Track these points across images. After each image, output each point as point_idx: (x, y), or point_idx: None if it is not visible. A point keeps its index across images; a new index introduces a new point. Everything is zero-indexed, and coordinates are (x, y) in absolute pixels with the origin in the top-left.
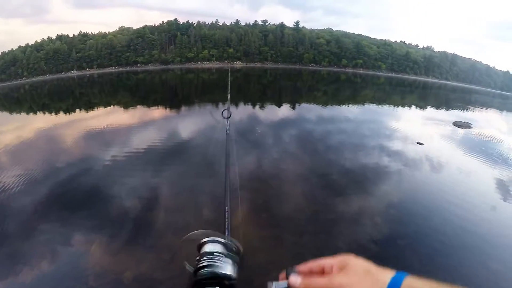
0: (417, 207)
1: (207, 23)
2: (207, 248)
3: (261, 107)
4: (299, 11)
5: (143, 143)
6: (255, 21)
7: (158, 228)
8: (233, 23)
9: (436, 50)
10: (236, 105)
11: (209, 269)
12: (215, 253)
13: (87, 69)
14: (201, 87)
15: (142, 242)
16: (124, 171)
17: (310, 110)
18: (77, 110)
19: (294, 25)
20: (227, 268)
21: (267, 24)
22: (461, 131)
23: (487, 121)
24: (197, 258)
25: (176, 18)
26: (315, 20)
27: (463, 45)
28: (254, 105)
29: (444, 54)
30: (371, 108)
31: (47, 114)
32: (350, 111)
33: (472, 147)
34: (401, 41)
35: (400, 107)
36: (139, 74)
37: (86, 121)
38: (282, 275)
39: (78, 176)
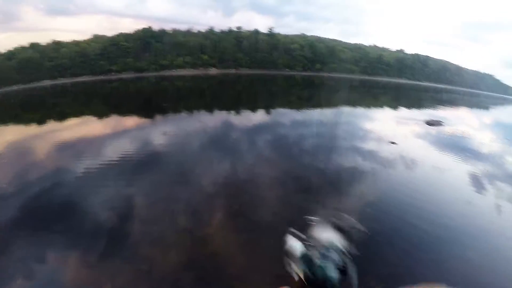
0: (393, 204)
1: (181, 30)
2: (322, 239)
3: (237, 113)
4: (272, 17)
5: (116, 153)
6: (230, 27)
7: (134, 239)
8: (207, 30)
9: (408, 52)
10: (211, 112)
11: (328, 274)
12: (334, 247)
13: (60, 78)
14: (176, 95)
15: (118, 254)
16: (98, 182)
17: (285, 115)
18: (50, 120)
19: (268, 31)
20: (346, 270)
21: (241, 30)
22: (433, 129)
23: (458, 119)
24: (315, 255)
25: (150, 26)
26: (289, 26)
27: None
28: (229, 111)
29: (416, 56)
30: (345, 111)
31: (18, 125)
32: (325, 114)
33: (444, 144)
34: (373, 44)
35: (373, 109)
36: (113, 83)
37: (59, 132)
38: None
39: (50, 189)
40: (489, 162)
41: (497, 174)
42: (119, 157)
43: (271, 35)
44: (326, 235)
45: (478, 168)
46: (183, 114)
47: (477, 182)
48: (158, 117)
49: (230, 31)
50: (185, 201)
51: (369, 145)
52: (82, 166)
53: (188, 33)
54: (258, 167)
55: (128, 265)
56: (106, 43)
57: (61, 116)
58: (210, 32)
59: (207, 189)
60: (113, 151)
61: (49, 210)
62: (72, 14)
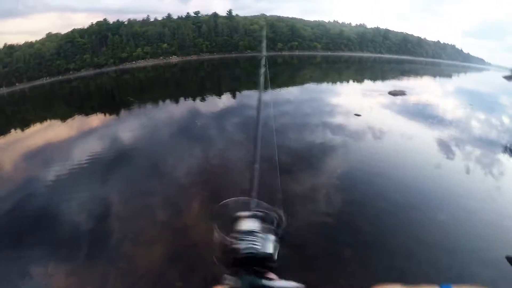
0: (361, 175)
1: (138, 20)
2: (246, 225)
3: (202, 99)
4: None
5: (85, 155)
6: (187, 13)
7: (114, 239)
8: (164, 17)
9: (368, 26)
10: (176, 101)
11: (248, 250)
12: (255, 232)
13: (17, 84)
14: (139, 87)
15: (100, 256)
16: (70, 187)
17: (250, 96)
18: (12, 130)
19: (227, 13)
20: (267, 247)
21: (199, 15)
22: (397, 99)
23: (421, 88)
24: (235, 235)
25: (105, 18)
26: (248, 7)
27: (395, 20)
28: (194, 99)
29: (376, 29)
30: (311, 87)
31: None
32: (290, 92)
33: (409, 112)
34: (334, 20)
35: (338, 83)
36: (72, 82)
37: (24, 141)
38: None
39: (22, 201)
40: (454, 127)
41: (463, 138)
42: (89, 158)
43: (230, 17)
44: (246, 224)
45: (445, 133)
46: (148, 106)
47: (444, 147)
48: (123, 112)
49: (188, 17)
50: (160, 194)
51: (335, 119)
52: (52, 172)
53: (145, 22)
54: (228, 151)
55: (111, 266)
56: (61, 41)
57: (23, 123)
58: (168, 19)
59: (180, 178)
60: (82, 153)
61: (24, 222)
62: (22, 14)
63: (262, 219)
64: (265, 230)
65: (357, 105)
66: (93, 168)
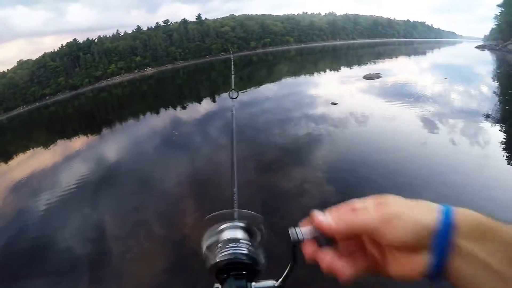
0: (342, 164)
1: (108, 36)
2: (228, 234)
3: (181, 108)
4: (198, 4)
5: (72, 179)
6: (157, 23)
7: (110, 259)
8: (134, 30)
9: (338, 14)
10: (156, 113)
11: (233, 255)
12: (239, 240)
13: None
14: (117, 104)
15: (103, 279)
16: (61, 213)
17: (228, 99)
18: None
19: (196, 18)
20: (251, 251)
21: (169, 23)
22: (373, 82)
23: (397, 68)
24: (219, 245)
25: (75, 38)
26: (216, 9)
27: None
28: (174, 108)
29: (346, 16)
30: (289, 82)
31: None
32: (269, 89)
33: (386, 94)
34: (304, 12)
35: (315, 74)
36: (50, 107)
37: (8, 174)
38: (306, 221)
39: (15, 234)
40: (434, 103)
41: (445, 112)
42: (76, 181)
43: (200, 22)
44: (229, 233)
45: (425, 110)
46: (129, 122)
47: (427, 123)
48: (104, 131)
49: (158, 27)
50: (153, 208)
51: (313, 111)
52: (41, 201)
53: (116, 37)
54: (215, 156)
55: (110, 286)
56: (33, 67)
57: (6, 156)
58: (138, 31)
59: (171, 189)
60: (69, 177)
61: (19, 255)
62: None
63: (243, 228)
64: (248, 237)
65: (334, 93)
66: (82, 191)
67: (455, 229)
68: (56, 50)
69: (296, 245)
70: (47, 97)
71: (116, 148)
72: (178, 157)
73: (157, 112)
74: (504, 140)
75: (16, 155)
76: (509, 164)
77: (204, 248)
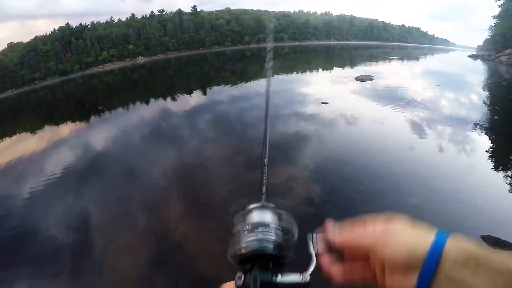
0: (329, 163)
1: (101, 22)
2: (257, 217)
3: (173, 99)
4: None
5: (58, 166)
6: (152, 12)
7: (94, 249)
8: (128, 17)
9: (334, 14)
10: (146, 103)
11: (261, 245)
12: (268, 224)
13: None
14: (107, 91)
15: (83, 268)
16: (46, 201)
17: (221, 92)
18: None
19: (192, 10)
20: (281, 243)
21: (164, 13)
22: (365, 84)
23: (389, 72)
24: (246, 228)
25: (68, 23)
26: (212, 1)
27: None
28: (164, 99)
29: (342, 17)
30: (281, 79)
31: None
32: (261, 85)
33: (376, 97)
34: (299, 10)
35: (308, 72)
36: (39, 92)
37: None
38: (323, 228)
39: None
40: (424, 108)
41: (434, 118)
42: (62, 169)
43: (195, 13)
44: (258, 216)
45: (415, 115)
46: (118, 111)
47: (416, 128)
48: (93, 119)
49: (153, 16)
50: (136, 198)
51: (303, 109)
52: (26, 188)
53: (109, 24)
54: (204, 150)
55: (94, 276)
56: (24, 50)
57: None
58: (132, 19)
59: (157, 181)
60: (55, 164)
61: (2, 243)
62: None
63: (274, 213)
64: (277, 223)
65: (325, 93)
66: (67, 179)
67: (442, 259)
68: (48, 34)
69: (313, 245)
70: (36, 81)
71: (103, 137)
72: (164, 149)
73: (147, 102)
74: (491, 149)
75: (2, 140)
76: (495, 172)
77: (234, 233)
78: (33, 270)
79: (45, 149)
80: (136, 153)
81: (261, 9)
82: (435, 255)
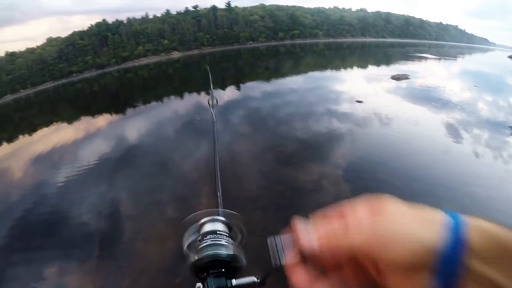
0: (363, 163)
1: (137, 18)
2: (207, 227)
3: (206, 93)
4: None
5: (93, 155)
6: (186, 8)
7: (126, 240)
8: (163, 13)
9: (369, 10)
10: (181, 96)
11: (212, 251)
12: (217, 232)
13: (22, 90)
14: (142, 85)
15: (107, 254)
16: (79, 188)
17: (255, 88)
18: (20, 136)
19: (226, 6)
20: (231, 248)
21: (198, 9)
22: (400, 83)
23: (425, 71)
24: (198, 239)
25: (104, 19)
26: None
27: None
28: (198, 93)
29: (377, 13)
30: (315, 75)
31: None
32: (294, 81)
33: (412, 96)
34: (334, 6)
35: (342, 70)
36: (76, 84)
37: (32, 146)
38: (288, 228)
39: (33, 207)
40: (460, 110)
41: (471, 121)
42: (97, 158)
43: (229, 9)
44: (209, 226)
45: (450, 117)
46: (153, 103)
47: (452, 130)
48: (128, 111)
49: (187, 11)
50: (169, 191)
51: (337, 107)
52: (61, 175)
53: (144, 20)
54: (235, 145)
55: (125, 264)
56: (62, 44)
57: (31, 129)
58: (167, 15)
59: (189, 174)
60: (90, 154)
61: (36, 226)
62: (20, 21)
63: (223, 222)
64: (228, 231)
65: (360, 91)
66: (101, 168)
67: (467, 250)
68: (85, 29)
69: (278, 254)
70: (74, 74)
71: (137, 129)
72: (197, 142)
73: (181, 96)
74: None
75: (41, 129)
76: None
77: (185, 247)
78: (64, 254)
79: (81, 139)
80: (168, 146)
81: (295, 5)
82: (455, 246)
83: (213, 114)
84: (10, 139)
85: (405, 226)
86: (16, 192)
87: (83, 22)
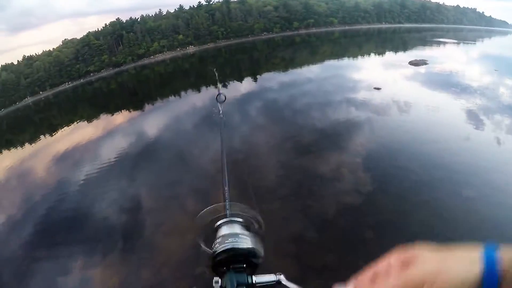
0: (382, 151)
1: (150, 15)
2: (226, 230)
3: (223, 86)
4: None
5: (113, 152)
6: (199, 2)
7: (147, 234)
8: (176, 9)
9: None
10: (198, 90)
11: (231, 245)
12: (236, 234)
13: (41, 92)
14: (159, 81)
15: (137, 248)
16: (100, 185)
17: (272, 79)
18: (41, 136)
19: None
20: (251, 242)
21: (211, 2)
22: (419, 69)
23: (444, 56)
24: (218, 241)
25: (118, 18)
26: None
27: None
28: (215, 86)
29: None
30: (331, 64)
31: (12, 149)
32: (311, 71)
33: (431, 82)
34: None
35: (359, 57)
36: (94, 84)
37: (53, 146)
38: None
39: (57, 204)
40: (481, 96)
41: (492, 107)
42: (117, 155)
43: (242, 1)
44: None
45: (471, 102)
46: (170, 98)
47: (473, 117)
48: (146, 107)
49: (200, 6)
50: (188, 184)
51: (355, 95)
52: (82, 172)
53: (158, 16)
54: (253, 136)
55: (146, 256)
56: (78, 45)
57: (51, 129)
58: (180, 10)
59: (207, 167)
60: (110, 150)
61: (60, 225)
62: (35, 26)
63: (240, 222)
64: (245, 231)
65: (377, 78)
66: (121, 164)
67: (502, 278)
68: (99, 29)
69: None
70: (91, 74)
71: (156, 124)
72: (215, 135)
73: (198, 90)
74: None
75: (61, 129)
76: None
77: (202, 245)
78: (88, 247)
79: (101, 136)
80: (187, 140)
81: None
82: (492, 276)
83: (221, 112)
84: (32, 140)
85: (442, 271)
86: (40, 190)
87: (97, 23)
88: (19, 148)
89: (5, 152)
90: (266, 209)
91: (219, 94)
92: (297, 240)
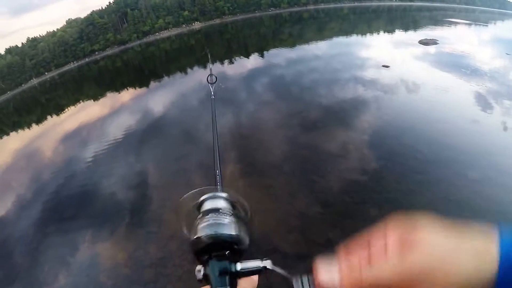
0: (389, 129)
1: None
2: (208, 205)
3: (230, 62)
4: None
5: (119, 129)
6: None
7: (154, 209)
8: None
9: None
10: (204, 67)
11: (213, 231)
12: (220, 210)
13: (46, 73)
14: (165, 58)
15: (145, 223)
16: (108, 162)
17: (279, 55)
18: (48, 117)
19: None
20: (235, 228)
21: None
22: (428, 48)
23: (455, 36)
24: (198, 217)
25: None
26: None
27: None
28: (222, 62)
29: None
30: (339, 41)
31: (20, 131)
32: (319, 47)
33: (440, 63)
34: None
35: (368, 35)
36: (99, 62)
37: (60, 125)
38: (315, 266)
39: (65, 183)
40: (491, 79)
41: (502, 91)
42: (123, 132)
43: None
44: (210, 204)
45: (481, 85)
46: (176, 75)
47: (482, 100)
48: (152, 84)
49: None
50: (195, 159)
51: (363, 73)
52: (90, 150)
53: None
54: (259, 112)
55: (155, 230)
56: (82, 25)
57: (58, 109)
58: None
59: (210, 141)
60: (116, 128)
61: (69, 203)
62: (38, 7)
63: (226, 199)
64: (231, 209)
65: (386, 56)
66: (128, 141)
67: None
68: (103, 8)
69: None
70: (96, 53)
71: (162, 101)
72: (221, 110)
73: (204, 66)
74: None
75: (68, 108)
76: None
77: (184, 226)
78: (96, 222)
79: (107, 114)
80: (193, 116)
81: None
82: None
83: (212, 92)
84: (39, 121)
85: (448, 259)
86: (48, 169)
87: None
88: (26, 129)
89: (13, 134)
90: (271, 184)
91: (210, 75)
92: (302, 215)
